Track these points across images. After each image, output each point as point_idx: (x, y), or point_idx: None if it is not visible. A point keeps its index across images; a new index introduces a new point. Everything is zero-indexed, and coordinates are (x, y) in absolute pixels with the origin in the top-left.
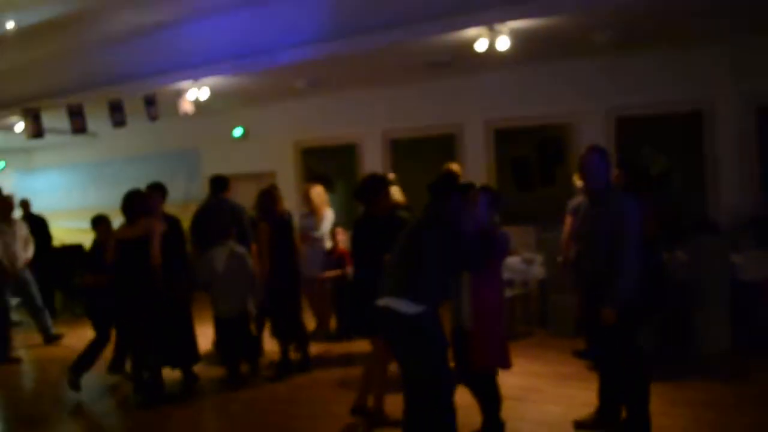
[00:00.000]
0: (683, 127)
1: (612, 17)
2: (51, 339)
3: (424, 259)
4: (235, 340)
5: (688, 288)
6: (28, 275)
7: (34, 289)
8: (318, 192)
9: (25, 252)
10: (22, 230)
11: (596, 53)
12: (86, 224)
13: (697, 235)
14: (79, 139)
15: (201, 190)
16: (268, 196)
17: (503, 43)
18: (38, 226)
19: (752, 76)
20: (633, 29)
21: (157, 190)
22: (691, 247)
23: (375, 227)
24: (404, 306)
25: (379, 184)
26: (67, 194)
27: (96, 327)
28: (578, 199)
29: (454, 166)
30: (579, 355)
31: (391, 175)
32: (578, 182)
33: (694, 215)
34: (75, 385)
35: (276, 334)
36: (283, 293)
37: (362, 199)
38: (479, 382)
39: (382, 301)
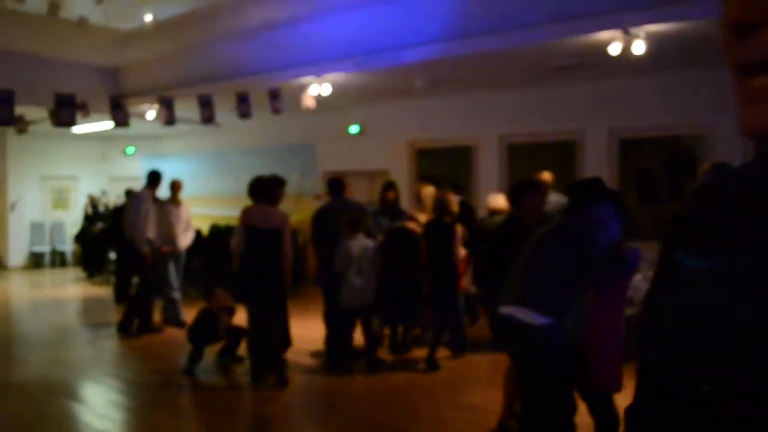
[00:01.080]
0: None
1: None
2: (178, 323)
3: (553, 269)
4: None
5: None
6: (182, 259)
7: (176, 275)
8: (428, 192)
9: (185, 235)
10: (186, 213)
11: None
12: (207, 210)
13: None
14: (203, 128)
15: (315, 185)
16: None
17: (638, 48)
18: None
19: None
20: None
21: (278, 182)
22: None
23: (515, 234)
24: (530, 317)
25: (523, 187)
26: (190, 181)
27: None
28: None
29: (546, 176)
30: None
31: (547, 176)
32: None
33: None
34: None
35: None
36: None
37: (511, 203)
38: (596, 402)
39: (506, 309)
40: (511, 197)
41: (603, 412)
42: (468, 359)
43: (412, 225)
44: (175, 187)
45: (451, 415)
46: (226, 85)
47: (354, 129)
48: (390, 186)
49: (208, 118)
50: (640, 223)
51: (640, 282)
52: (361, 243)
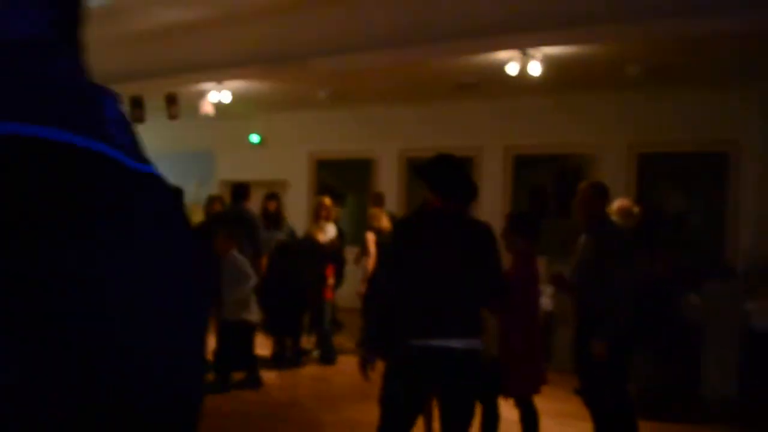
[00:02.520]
0: (707, 167)
1: (644, 51)
2: None
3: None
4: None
5: (699, 331)
6: None
7: None
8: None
9: None
10: None
11: (625, 87)
12: None
13: (712, 278)
14: None
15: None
16: None
17: (535, 68)
18: None
19: None
20: (664, 65)
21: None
22: (705, 291)
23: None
24: (473, 343)
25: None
26: None
27: None
28: None
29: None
30: (578, 392)
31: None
32: (612, 215)
33: (711, 258)
34: None
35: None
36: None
37: None
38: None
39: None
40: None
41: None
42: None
43: (318, 234)
44: None
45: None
46: (122, 87)
47: (255, 138)
48: (272, 196)
49: (138, 120)
50: None
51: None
52: (236, 259)
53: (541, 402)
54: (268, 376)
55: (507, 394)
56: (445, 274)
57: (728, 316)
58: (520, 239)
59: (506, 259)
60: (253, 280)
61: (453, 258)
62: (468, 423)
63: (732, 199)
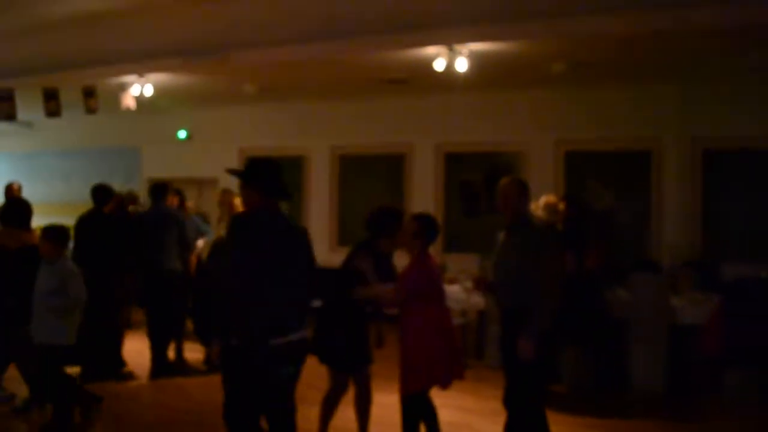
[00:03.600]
0: (632, 164)
1: (568, 48)
2: None
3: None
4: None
5: (626, 326)
6: None
7: None
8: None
9: None
10: None
11: (552, 84)
12: None
13: (638, 273)
14: (12, 127)
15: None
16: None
17: (461, 65)
18: None
19: (700, 119)
20: (588, 62)
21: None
22: (631, 286)
23: None
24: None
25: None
26: None
27: None
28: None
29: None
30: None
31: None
32: (538, 211)
33: (637, 253)
34: None
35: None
36: None
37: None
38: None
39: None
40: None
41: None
42: None
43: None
44: None
45: None
46: (36, 79)
47: (182, 134)
48: (176, 192)
49: (8, 115)
50: (463, 235)
51: (458, 292)
52: (65, 266)
53: (472, 400)
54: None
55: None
56: (271, 271)
57: (655, 311)
58: (418, 241)
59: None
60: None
61: (277, 256)
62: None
63: (655, 195)
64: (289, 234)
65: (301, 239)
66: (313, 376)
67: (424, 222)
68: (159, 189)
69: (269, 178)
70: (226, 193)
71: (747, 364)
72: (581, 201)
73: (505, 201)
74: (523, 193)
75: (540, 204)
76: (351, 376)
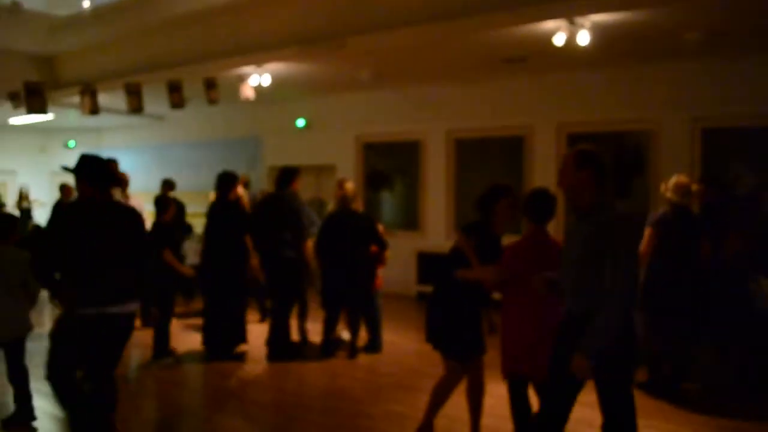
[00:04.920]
0: None
1: (703, 15)
2: None
3: None
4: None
5: None
6: None
7: None
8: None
9: None
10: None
11: (685, 56)
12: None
13: None
14: (146, 121)
15: (261, 179)
16: None
17: (583, 38)
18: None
19: None
20: (728, 31)
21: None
22: None
23: None
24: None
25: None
26: (132, 176)
27: None
28: (663, 209)
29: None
30: (641, 386)
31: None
32: (667, 193)
33: None
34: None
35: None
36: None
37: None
38: None
39: None
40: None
41: None
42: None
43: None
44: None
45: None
46: (162, 74)
47: (300, 122)
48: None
49: (136, 107)
50: None
51: None
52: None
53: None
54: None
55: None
56: (106, 250)
57: None
58: (527, 218)
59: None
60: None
61: (110, 237)
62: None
63: None
64: (117, 217)
65: (130, 222)
66: (426, 363)
67: (534, 197)
68: (281, 173)
69: (94, 171)
70: (339, 182)
71: None
72: (721, 183)
73: (563, 179)
74: (590, 168)
75: (669, 185)
76: (465, 365)
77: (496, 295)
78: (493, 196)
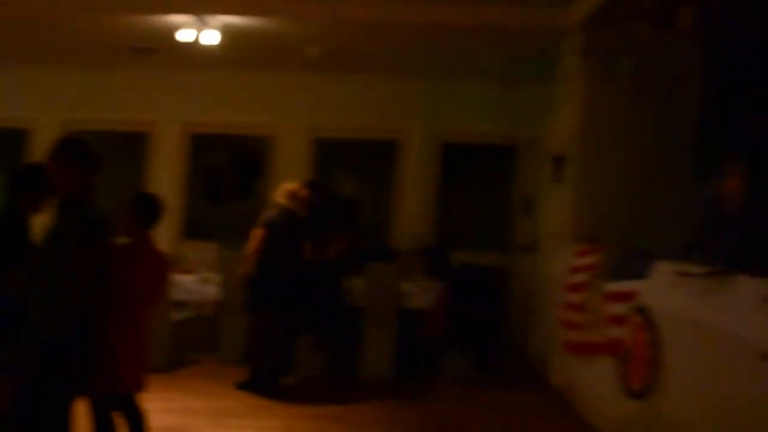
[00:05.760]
0: (379, 153)
1: (325, 33)
2: None
3: None
4: None
5: (362, 315)
6: None
7: None
8: None
9: None
10: None
11: (306, 69)
12: None
13: (375, 262)
14: None
15: None
16: None
17: (211, 38)
18: None
19: (441, 114)
20: (344, 49)
21: None
22: (368, 274)
23: None
24: None
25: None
26: None
27: None
28: (273, 212)
29: None
30: (241, 386)
31: None
32: (278, 197)
33: (380, 241)
34: None
35: None
36: None
37: None
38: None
39: None
40: None
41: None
42: None
43: None
44: None
45: None
46: None
47: None
48: None
49: None
50: (204, 222)
51: (193, 283)
52: None
53: (194, 400)
54: None
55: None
56: None
57: (387, 298)
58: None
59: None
60: None
61: None
62: None
63: (398, 184)
64: None
65: None
66: None
67: (141, 199)
68: None
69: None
70: None
71: (465, 345)
72: (325, 188)
73: (47, 167)
74: (67, 158)
75: (280, 190)
76: None
77: None
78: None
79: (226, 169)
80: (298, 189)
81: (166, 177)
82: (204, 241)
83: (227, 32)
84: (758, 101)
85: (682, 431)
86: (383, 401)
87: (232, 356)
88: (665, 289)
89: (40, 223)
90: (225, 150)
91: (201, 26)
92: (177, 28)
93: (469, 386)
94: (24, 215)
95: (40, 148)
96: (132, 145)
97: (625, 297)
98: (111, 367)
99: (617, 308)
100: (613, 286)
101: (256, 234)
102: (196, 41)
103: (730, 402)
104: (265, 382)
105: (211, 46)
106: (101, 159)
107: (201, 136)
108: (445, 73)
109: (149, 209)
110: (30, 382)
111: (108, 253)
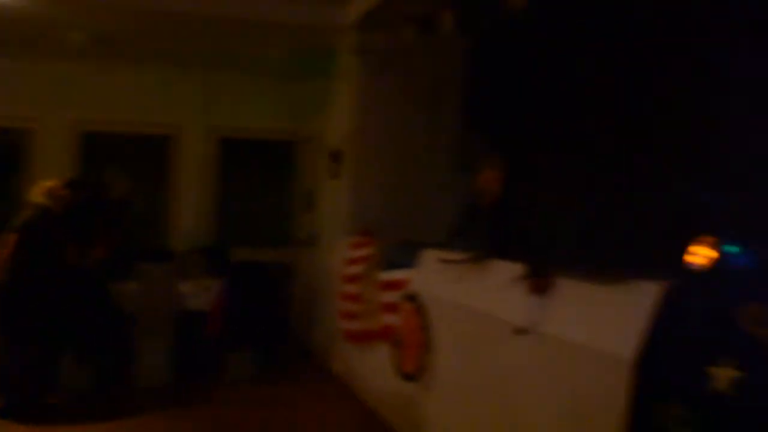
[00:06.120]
0: (154, 150)
1: (86, 16)
2: None
3: None
4: None
5: (136, 319)
6: None
7: None
8: None
9: None
10: None
11: (72, 57)
12: None
13: (147, 262)
14: None
15: None
16: None
17: None
18: None
19: (219, 109)
20: (111, 37)
21: None
22: (141, 276)
23: None
24: None
25: None
26: None
27: None
28: (28, 213)
29: None
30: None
31: None
32: (35, 196)
33: (155, 242)
34: None
35: None
36: None
37: None
38: None
39: None
40: None
41: None
42: None
43: None
44: None
45: None
46: None
47: None
48: None
49: None
50: None
51: None
52: None
53: None
54: None
55: None
56: None
57: (162, 300)
58: None
59: None
60: None
61: None
62: None
63: (175, 181)
64: None
65: None
66: None
67: None
68: None
69: None
70: None
71: (247, 343)
72: (91, 186)
73: None
74: None
75: (38, 188)
76: None
77: None
78: None
79: None
80: (56, 186)
81: None
82: None
83: None
84: (511, 102)
85: (451, 407)
86: (161, 410)
87: None
88: (431, 276)
89: None
90: None
91: None
92: None
93: (252, 385)
94: None
95: None
96: None
97: (396, 285)
98: None
99: (390, 296)
100: (386, 276)
101: (10, 238)
102: None
103: (491, 373)
104: (26, 405)
105: None
106: None
107: None
108: (223, 66)
109: None
110: None
111: None
